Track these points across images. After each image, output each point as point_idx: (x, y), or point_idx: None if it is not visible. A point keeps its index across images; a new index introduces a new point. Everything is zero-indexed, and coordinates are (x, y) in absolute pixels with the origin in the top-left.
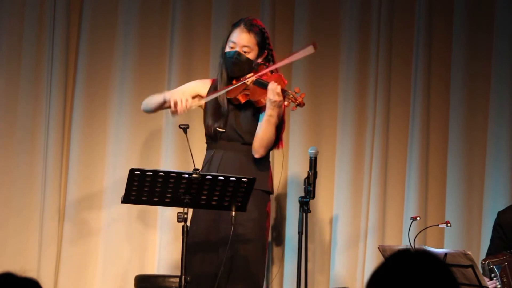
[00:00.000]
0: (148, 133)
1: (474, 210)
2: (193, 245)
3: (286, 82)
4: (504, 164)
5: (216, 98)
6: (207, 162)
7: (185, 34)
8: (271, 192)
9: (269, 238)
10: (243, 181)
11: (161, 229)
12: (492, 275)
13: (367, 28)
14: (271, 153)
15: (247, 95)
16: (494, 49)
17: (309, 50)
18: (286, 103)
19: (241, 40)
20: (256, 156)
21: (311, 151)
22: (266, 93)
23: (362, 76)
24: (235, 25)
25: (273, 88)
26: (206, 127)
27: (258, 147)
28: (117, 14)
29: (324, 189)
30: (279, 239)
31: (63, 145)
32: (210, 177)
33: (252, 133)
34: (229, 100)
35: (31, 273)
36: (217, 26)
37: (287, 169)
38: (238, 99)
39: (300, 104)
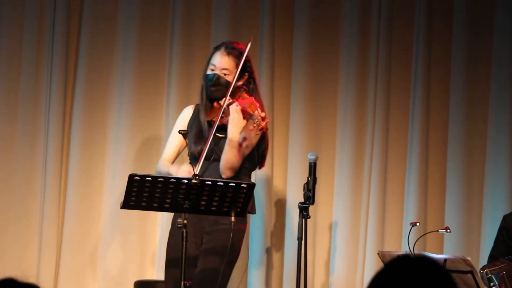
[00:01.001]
0: (147, 138)
1: (473, 216)
2: (173, 260)
3: (257, 104)
4: (504, 170)
5: (198, 121)
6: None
7: (185, 40)
8: (251, 212)
9: (269, 244)
10: (243, 186)
11: (161, 234)
12: (491, 284)
13: (367, 32)
14: (273, 158)
15: (223, 117)
16: (494, 53)
17: (248, 45)
18: (251, 127)
19: (220, 63)
20: (223, 176)
21: (311, 156)
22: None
23: (362, 80)
24: (216, 48)
25: (232, 108)
26: (189, 149)
27: (223, 169)
28: (116, 19)
29: (323, 194)
30: (279, 245)
31: (63, 151)
32: (209, 182)
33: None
34: (208, 123)
35: (30, 279)
36: (216, 31)
37: (286, 175)
38: (216, 121)
39: (263, 129)
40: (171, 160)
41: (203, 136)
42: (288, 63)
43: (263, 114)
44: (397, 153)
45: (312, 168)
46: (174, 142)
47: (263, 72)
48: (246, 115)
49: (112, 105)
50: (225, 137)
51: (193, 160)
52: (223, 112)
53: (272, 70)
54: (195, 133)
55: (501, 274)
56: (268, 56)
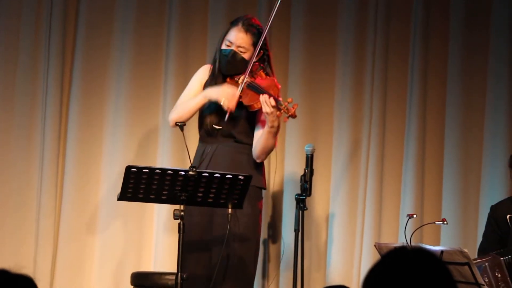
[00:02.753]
0: (145, 130)
1: (470, 208)
2: (187, 243)
3: (279, 86)
4: (501, 162)
5: (213, 84)
6: (200, 155)
7: (182, 32)
8: (264, 188)
9: (266, 236)
10: (240, 178)
11: (158, 226)
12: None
13: (364, 25)
14: None
15: (240, 97)
16: (490, 46)
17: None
18: (278, 113)
19: (237, 40)
20: (258, 161)
21: (308, 148)
22: (257, 98)
23: (359, 73)
24: (233, 23)
25: (265, 101)
26: (203, 123)
27: (260, 154)
28: (114, 11)
29: (320, 186)
30: (276, 237)
31: (60, 143)
32: (206, 174)
33: (245, 132)
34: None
35: (27, 271)
36: (214, 24)
37: (284, 167)
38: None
39: (292, 116)
40: None
41: (219, 112)
42: (285, 55)
43: (290, 99)
44: (394, 145)
45: (309, 160)
46: (194, 89)
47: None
48: (276, 102)
49: (110, 97)
50: (221, 129)
51: (206, 135)
52: (241, 91)
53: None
54: (211, 109)
55: (484, 265)
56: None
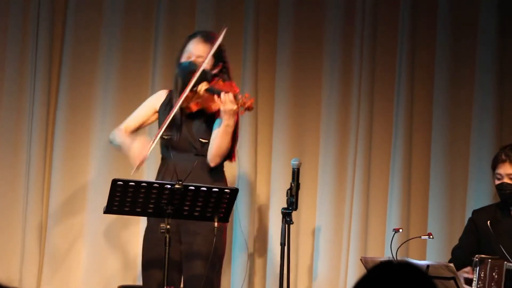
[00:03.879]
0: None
1: (456, 222)
2: (151, 260)
3: (237, 90)
4: (487, 176)
5: (171, 107)
6: (160, 172)
7: (169, 37)
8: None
9: (252, 250)
10: (226, 191)
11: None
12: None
13: (351, 36)
14: (257, 164)
15: (199, 103)
16: (477, 57)
17: (222, 32)
18: (235, 107)
19: (197, 50)
20: (212, 165)
21: (294, 162)
22: (213, 99)
23: (345, 85)
24: (191, 36)
25: (226, 97)
26: (162, 144)
27: (214, 156)
28: (101, 14)
29: (306, 200)
30: (262, 250)
31: (46, 154)
32: (192, 188)
33: (205, 143)
34: (181, 109)
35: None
36: (201, 26)
37: (270, 180)
38: (189, 107)
39: (249, 108)
40: (129, 131)
41: (174, 123)
42: (271, 67)
43: (247, 94)
44: (380, 158)
45: (295, 174)
46: (141, 114)
47: (246, 75)
48: (234, 97)
49: (97, 104)
50: (173, 139)
51: (164, 150)
52: (196, 97)
53: (256, 74)
54: (170, 123)
55: (487, 261)
56: (252, 60)
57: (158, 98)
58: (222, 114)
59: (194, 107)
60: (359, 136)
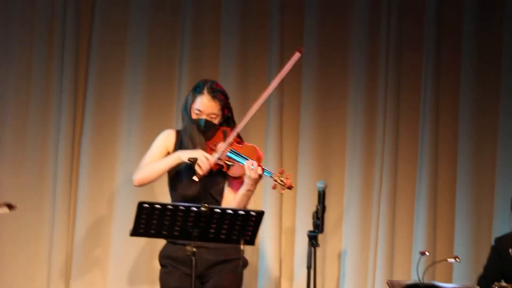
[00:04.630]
0: None
1: (482, 246)
2: None
3: (261, 155)
4: None
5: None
6: None
7: (194, 65)
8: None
9: (278, 273)
10: (252, 214)
11: None
12: None
13: (376, 60)
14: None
15: (220, 165)
16: (502, 84)
17: (295, 57)
18: (272, 185)
19: (207, 109)
20: None
21: (320, 185)
22: (241, 166)
23: (371, 109)
24: (196, 91)
25: (250, 167)
26: (176, 195)
27: None
28: (126, 44)
29: (332, 223)
30: (288, 273)
31: (71, 182)
32: (218, 210)
33: (221, 196)
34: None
35: None
36: (225, 59)
37: (295, 203)
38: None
39: (289, 187)
40: None
41: (192, 180)
42: (297, 90)
43: (281, 170)
44: (406, 182)
45: (321, 197)
46: (156, 155)
47: (272, 100)
48: (264, 174)
49: (122, 132)
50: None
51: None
52: (220, 159)
53: (281, 98)
54: (180, 178)
55: None
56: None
57: (168, 139)
58: (246, 179)
59: (214, 167)
60: (384, 159)
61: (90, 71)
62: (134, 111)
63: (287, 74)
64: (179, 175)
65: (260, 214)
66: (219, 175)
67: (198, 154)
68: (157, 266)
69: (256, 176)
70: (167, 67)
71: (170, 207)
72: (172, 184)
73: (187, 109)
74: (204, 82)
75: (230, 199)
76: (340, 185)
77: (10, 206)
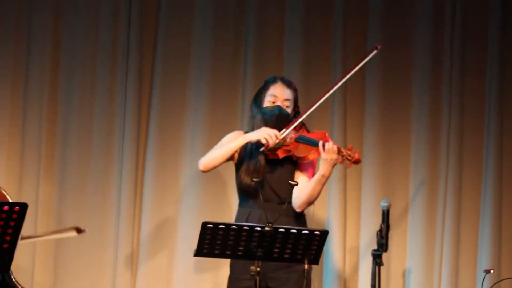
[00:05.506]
0: (219, 182)
1: None
2: None
3: (330, 140)
4: None
5: (250, 153)
6: (244, 221)
7: (257, 72)
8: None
9: None
10: (316, 233)
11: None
12: None
13: (439, 83)
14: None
15: (287, 151)
16: None
17: (372, 53)
18: (340, 159)
19: (283, 95)
20: (298, 210)
21: (384, 204)
22: (313, 149)
23: (434, 129)
24: (271, 81)
25: (331, 148)
26: (241, 183)
27: (303, 203)
28: (189, 60)
29: (397, 242)
30: None
31: (136, 197)
32: (282, 230)
33: (288, 190)
34: (264, 156)
35: None
36: (288, 72)
37: (360, 222)
38: (276, 154)
39: (357, 161)
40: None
41: (256, 169)
42: (360, 109)
43: (350, 146)
44: (470, 199)
45: (385, 215)
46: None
47: (335, 118)
48: (338, 151)
49: (185, 146)
50: (262, 188)
51: (245, 197)
52: (288, 144)
53: (345, 117)
54: (247, 166)
55: None
56: (341, 102)
57: (237, 137)
58: (322, 163)
59: (280, 154)
60: (448, 177)
61: (154, 86)
62: (197, 126)
63: (349, 91)
64: (239, 165)
65: (324, 233)
66: (285, 166)
67: (265, 129)
68: (220, 277)
69: (332, 155)
70: (230, 80)
71: (234, 227)
72: (237, 173)
73: (258, 100)
74: (275, 76)
75: (301, 188)
76: (404, 203)
77: (79, 230)
